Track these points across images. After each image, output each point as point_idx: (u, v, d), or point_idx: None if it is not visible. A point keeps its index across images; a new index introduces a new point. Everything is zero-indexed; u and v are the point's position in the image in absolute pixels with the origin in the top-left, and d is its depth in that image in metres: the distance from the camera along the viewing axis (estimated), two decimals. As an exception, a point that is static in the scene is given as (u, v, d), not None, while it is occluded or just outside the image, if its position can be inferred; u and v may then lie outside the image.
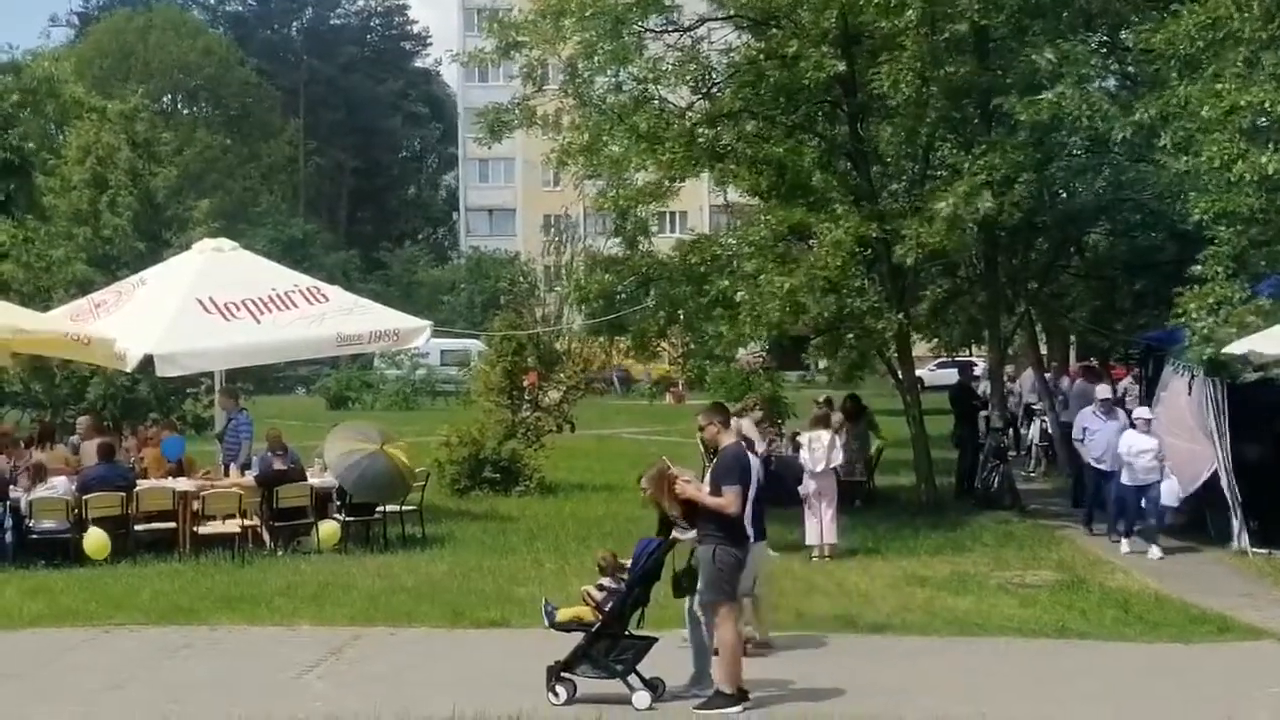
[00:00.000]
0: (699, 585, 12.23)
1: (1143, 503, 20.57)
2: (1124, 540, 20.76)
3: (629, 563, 12.53)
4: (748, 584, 13.53)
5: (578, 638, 12.40)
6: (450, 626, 15.44)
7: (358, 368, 64.10)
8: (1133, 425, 20.93)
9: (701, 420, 12.86)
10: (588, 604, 12.55)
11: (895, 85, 21.93)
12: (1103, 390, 23.04)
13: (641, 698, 12.12)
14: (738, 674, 12.05)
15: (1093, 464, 22.01)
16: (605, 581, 12.56)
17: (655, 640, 12.39)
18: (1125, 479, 20.55)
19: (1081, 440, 22.23)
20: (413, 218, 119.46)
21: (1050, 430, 31.00)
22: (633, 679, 12.19)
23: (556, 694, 12.24)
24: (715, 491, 12.09)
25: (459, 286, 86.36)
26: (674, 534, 12.52)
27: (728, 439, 12.59)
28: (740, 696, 12.00)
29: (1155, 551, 20.20)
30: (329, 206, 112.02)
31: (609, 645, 12.30)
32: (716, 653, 12.36)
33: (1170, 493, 20.33)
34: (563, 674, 12.30)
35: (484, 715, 11.69)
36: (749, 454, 12.87)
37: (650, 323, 25.19)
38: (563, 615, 12.66)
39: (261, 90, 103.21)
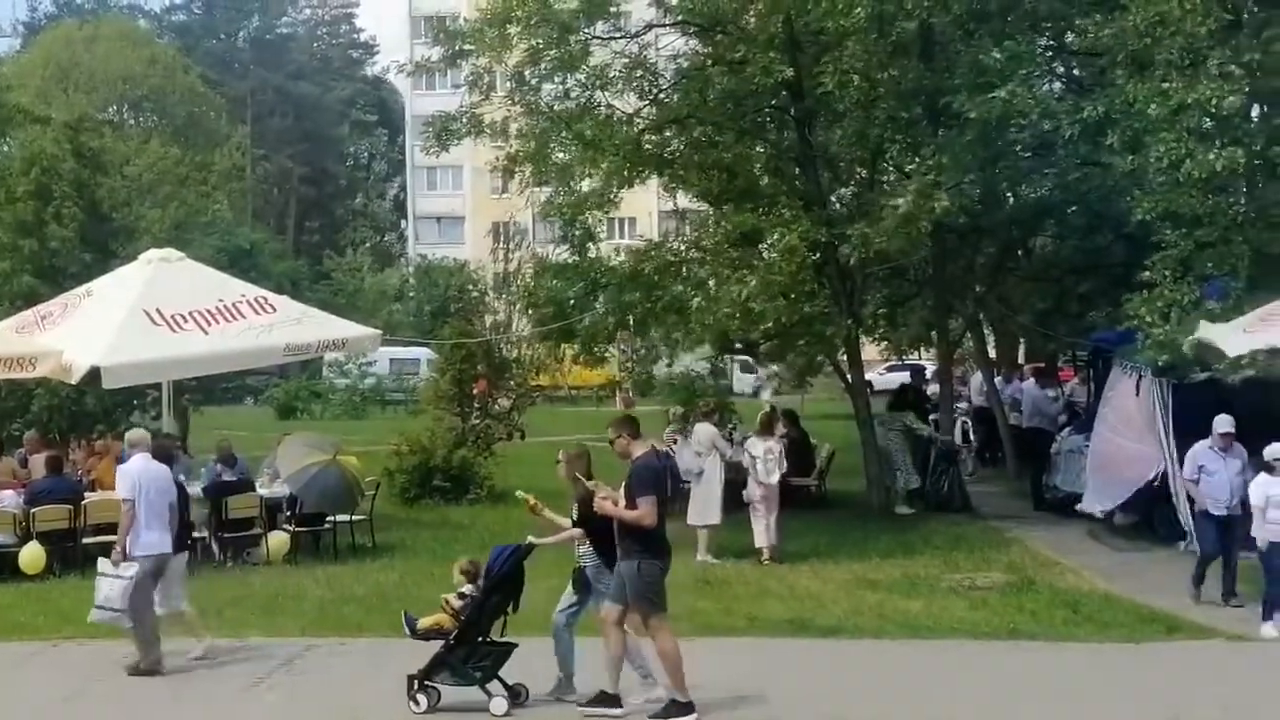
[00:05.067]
0: (629, 599, 12.05)
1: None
2: (1270, 624, 15.68)
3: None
4: (177, 600, 14.30)
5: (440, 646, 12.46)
6: (401, 636, 15.36)
7: (306, 377, 63.66)
8: (1267, 467, 15.93)
9: (611, 433, 12.52)
10: (446, 612, 12.56)
11: (843, 86, 21.98)
12: (1223, 422, 17.47)
13: (498, 704, 12.19)
14: (683, 679, 11.97)
15: (1210, 510, 17.26)
16: (466, 589, 12.56)
17: (515, 646, 12.44)
18: (1256, 535, 15.94)
19: (1196, 481, 17.54)
20: (361, 226, 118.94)
21: (1001, 431, 31.08)
22: (493, 685, 12.26)
23: (418, 702, 12.30)
24: (630, 504, 11.95)
25: (407, 295, 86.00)
26: (530, 539, 12.69)
27: (639, 450, 12.33)
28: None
29: (1270, 629, 15.71)
30: (277, 215, 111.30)
31: (467, 652, 12.34)
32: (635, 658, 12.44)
33: None
34: (425, 682, 12.34)
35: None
36: (659, 462, 12.63)
37: (599, 328, 25.15)
38: (423, 624, 12.66)
39: (207, 99, 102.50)
